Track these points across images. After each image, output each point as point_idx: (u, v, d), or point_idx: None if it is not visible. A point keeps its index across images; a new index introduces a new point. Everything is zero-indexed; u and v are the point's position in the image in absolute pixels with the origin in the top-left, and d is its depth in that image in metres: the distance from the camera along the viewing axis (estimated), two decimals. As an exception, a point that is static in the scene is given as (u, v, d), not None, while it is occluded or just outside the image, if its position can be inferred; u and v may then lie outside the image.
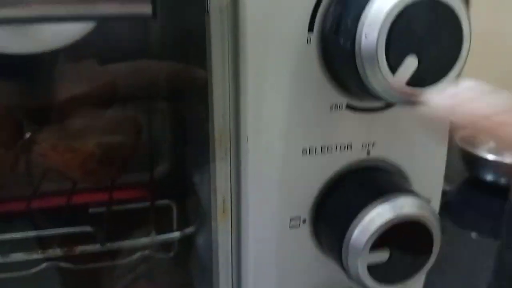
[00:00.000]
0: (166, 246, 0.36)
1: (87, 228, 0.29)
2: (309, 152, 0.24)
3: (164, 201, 0.35)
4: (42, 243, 0.31)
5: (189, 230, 0.32)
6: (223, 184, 0.26)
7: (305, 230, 0.25)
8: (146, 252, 0.36)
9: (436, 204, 0.27)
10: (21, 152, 0.33)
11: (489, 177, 0.82)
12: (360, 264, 0.22)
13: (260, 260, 0.26)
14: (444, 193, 0.77)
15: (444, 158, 0.27)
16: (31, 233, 0.33)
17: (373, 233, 0.22)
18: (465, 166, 0.87)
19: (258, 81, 0.23)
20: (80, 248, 0.30)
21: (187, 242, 0.36)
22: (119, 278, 0.40)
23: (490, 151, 0.90)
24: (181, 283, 0.39)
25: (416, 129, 0.26)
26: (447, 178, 0.79)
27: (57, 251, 0.30)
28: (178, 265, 0.37)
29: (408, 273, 0.23)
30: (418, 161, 0.26)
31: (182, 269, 0.38)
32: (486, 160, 0.80)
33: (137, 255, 0.36)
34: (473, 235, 0.64)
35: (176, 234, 0.32)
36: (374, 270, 0.22)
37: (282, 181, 0.24)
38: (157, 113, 0.35)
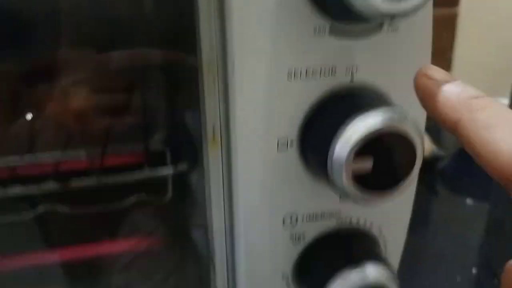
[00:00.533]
0: (161, 189, 0.37)
1: (82, 153, 0.30)
2: (294, 76, 0.25)
3: (158, 146, 0.36)
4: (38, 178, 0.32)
5: (182, 166, 0.33)
6: (212, 112, 0.26)
7: (293, 152, 0.26)
8: (142, 195, 0.37)
9: (421, 127, 0.28)
10: (16, 104, 0.34)
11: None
12: (345, 174, 0.23)
13: (249, 185, 0.27)
14: (439, 159, 0.78)
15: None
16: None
17: (356, 143, 0.23)
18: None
19: (242, 8, 0.24)
20: (75, 182, 0.31)
21: (182, 186, 0.37)
22: (116, 226, 0.41)
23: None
24: (177, 228, 0.40)
25: (400, 55, 0.27)
26: (442, 145, 0.81)
27: (53, 185, 0.31)
28: (173, 211, 0.38)
29: (392, 182, 0.24)
30: (402, 88, 0.27)
31: (177, 214, 0.39)
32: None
33: (133, 198, 0.37)
34: (468, 201, 0.65)
35: (169, 169, 0.33)
36: (359, 180, 0.23)
37: (268, 105, 0.25)
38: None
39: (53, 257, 0.43)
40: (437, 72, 0.21)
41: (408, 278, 0.52)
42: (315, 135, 0.25)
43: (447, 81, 0.21)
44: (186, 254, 0.39)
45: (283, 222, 0.29)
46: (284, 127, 0.26)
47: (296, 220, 0.29)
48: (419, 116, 0.27)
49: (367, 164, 0.23)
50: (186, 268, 0.39)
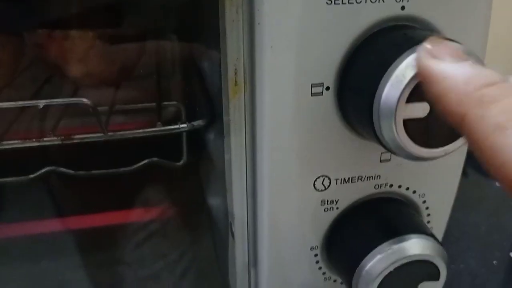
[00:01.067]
0: (175, 152, 0.33)
1: (84, 101, 0.26)
2: (335, 0, 0.21)
3: (172, 103, 0.32)
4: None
5: (198, 123, 0.29)
6: (235, 49, 0.22)
7: (329, 98, 0.22)
8: (154, 159, 0.34)
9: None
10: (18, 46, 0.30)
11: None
12: (396, 121, 0.19)
13: (276, 140, 0.23)
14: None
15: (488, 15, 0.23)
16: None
17: (411, 81, 0.18)
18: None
19: None
20: (79, 136, 0.28)
21: (198, 150, 0.34)
22: (127, 194, 0.38)
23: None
24: (193, 196, 0.36)
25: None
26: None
27: (55, 139, 0.27)
28: (189, 176, 0.35)
29: (449, 137, 0.20)
30: (456, 20, 0.23)
31: (193, 180, 0.35)
32: None
33: (144, 162, 0.34)
34: (498, 183, 0.60)
35: (183, 126, 0.29)
36: (411, 129, 0.19)
37: (302, 37, 0.21)
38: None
39: (61, 226, 0.40)
40: (444, 49, 0.17)
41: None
42: (358, 74, 0.21)
43: (455, 61, 0.16)
44: (203, 225, 0.36)
45: (314, 185, 0.25)
46: (320, 68, 0.22)
47: (329, 183, 0.25)
48: (476, 36, 0.23)
49: (421, 109, 0.19)
50: (202, 240, 0.36)
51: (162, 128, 0.29)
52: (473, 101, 0.15)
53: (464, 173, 0.64)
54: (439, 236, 0.30)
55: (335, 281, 0.29)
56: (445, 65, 0.16)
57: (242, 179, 0.26)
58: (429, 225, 0.29)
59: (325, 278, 0.29)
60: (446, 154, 0.21)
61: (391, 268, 0.23)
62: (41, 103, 0.26)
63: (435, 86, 0.16)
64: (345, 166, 0.25)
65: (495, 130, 0.14)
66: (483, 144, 0.15)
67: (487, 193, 0.60)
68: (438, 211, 0.28)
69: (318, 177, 0.25)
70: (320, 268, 0.28)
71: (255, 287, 0.29)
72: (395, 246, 0.24)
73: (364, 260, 0.24)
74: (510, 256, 0.49)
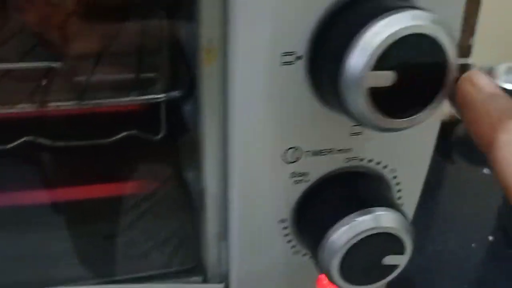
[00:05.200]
0: (154, 126, 0.33)
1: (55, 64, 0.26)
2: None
3: (151, 75, 0.32)
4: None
5: (174, 93, 0.29)
6: (209, 19, 0.22)
7: (300, 68, 0.22)
8: (133, 132, 0.34)
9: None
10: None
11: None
12: (361, 90, 0.19)
13: (248, 109, 0.23)
14: (457, 124, 0.74)
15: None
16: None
17: (376, 49, 0.18)
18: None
19: None
20: (54, 104, 0.28)
21: (177, 123, 0.34)
22: (104, 164, 0.38)
23: (507, 81, 0.86)
24: (170, 168, 0.37)
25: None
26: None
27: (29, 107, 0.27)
28: (166, 149, 0.35)
29: (416, 107, 0.20)
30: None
31: (171, 153, 0.35)
32: (504, 90, 0.75)
33: (123, 134, 0.34)
34: (486, 170, 0.61)
35: (161, 96, 0.29)
36: (377, 99, 0.19)
37: (275, 5, 0.21)
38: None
39: (40, 198, 0.40)
40: (482, 79, 0.18)
41: (421, 241, 0.48)
42: (329, 44, 0.21)
43: (492, 92, 0.18)
44: (179, 198, 0.36)
45: (284, 157, 0.25)
46: (292, 37, 0.22)
47: (300, 155, 0.25)
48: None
49: (387, 77, 0.19)
50: (179, 214, 0.36)
51: (138, 98, 0.29)
52: (505, 127, 0.16)
53: (451, 160, 0.65)
54: (410, 213, 0.30)
55: (304, 255, 0.29)
56: (484, 93, 0.18)
57: (214, 150, 0.27)
58: (400, 201, 0.29)
59: (295, 252, 0.29)
60: (412, 125, 0.21)
61: (355, 240, 0.24)
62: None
63: (472, 110, 0.18)
64: (316, 138, 0.25)
65: None
66: (507, 172, 0.16)
67: (472, 179, 0.60)
68: (409, 187, 0.29)
69: (289, 148, 0.25)
70: (289, 241, 0.28)
71: (226, 260, 0.30)
72: (360, 218, 0.24)
73: (328, 232, 0.24)
74: (489, 239, 0.49)
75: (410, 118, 0.21)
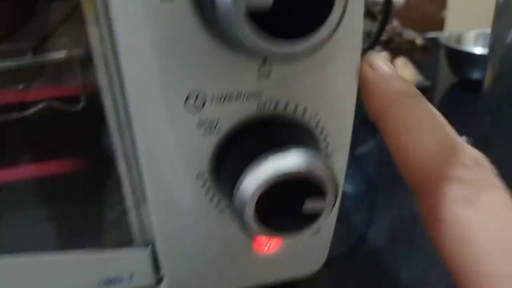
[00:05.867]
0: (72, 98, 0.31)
1: None
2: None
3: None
4: None
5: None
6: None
7: (183, 3, 0.20)
8: (52, 102, 0.32)
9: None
10: None
11: (477, 75, 0.77)
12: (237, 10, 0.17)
13: (135, 50, 0.21)
14: (425, 91, 0.73)
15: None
16: None
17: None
18: (452, 67, 0.82)
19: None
20: None
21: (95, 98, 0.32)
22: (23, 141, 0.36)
23: (477, 44, 0.84)
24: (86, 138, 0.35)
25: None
26: (426, 75, 0.75)
27: None
28: (85, 121, 0.33)
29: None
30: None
31: (90, 125, 0.33)
32: (473, 56, 0.74)
33: (41, 106, 0.32)
34: (463, 138, 0.59)
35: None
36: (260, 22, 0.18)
37: None
38: None
39: None
40: (380, 64, 0.21)
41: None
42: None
43: (386, 74, 0.20)
44: (104, 172, 0.34)
45: (186, 103, 0.23)
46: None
47: (204, 101, 0.23)
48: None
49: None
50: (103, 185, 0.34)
51: (40, 59, 0.27)
52: (392, 104, 0.19)
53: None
54: (342, 168, 0.28)
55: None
56: (380, 74, 0.21)
57: (117, 110, 0.25)
58: (331, 159, 0.27)
59: (220, 211, 0.27)
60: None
61: (266, 186, 0.22)
62: None
63: (367, 89, 0.22)
64: (219, 82, 0.23)
65: (403, 127, 0.19)
66: (392, 139, 0.19)
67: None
68: (336, 138, 0.27)
69: (190, 93, 0.23)
70: (212, 199, 0.26)
71: (148, 222, 0.28)
72: (270, 162, 0.22)
73: (238, 181, 0.23)
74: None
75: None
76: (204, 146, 0.24)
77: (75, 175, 0.33)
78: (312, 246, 0.31)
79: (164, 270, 0.29)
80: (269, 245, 0.30)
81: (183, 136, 0.24)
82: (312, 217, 0.24)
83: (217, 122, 0.24)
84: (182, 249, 0.28)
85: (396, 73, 0.21)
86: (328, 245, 0.32)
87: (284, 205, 0.23)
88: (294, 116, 0.25)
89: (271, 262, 0.31)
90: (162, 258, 0.29)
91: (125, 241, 0.29)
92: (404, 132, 0.18)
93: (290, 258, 0.31)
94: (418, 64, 0.74)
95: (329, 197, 0.23)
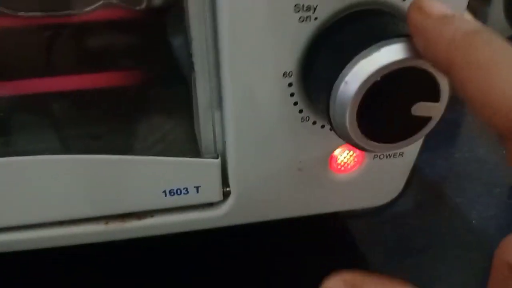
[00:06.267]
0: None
1: None
2: None
3: None
4: None
5: None
6: None
7: None
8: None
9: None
10: None
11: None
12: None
13: None
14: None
15: None
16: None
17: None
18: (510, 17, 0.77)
19: None
20: None
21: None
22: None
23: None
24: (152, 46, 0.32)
25: None
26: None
27: None
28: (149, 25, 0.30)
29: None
30: None
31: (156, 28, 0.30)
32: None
33: (100, 3, 0.29)
34: None
35: None
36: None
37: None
38: None
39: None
40: (432, 5, 0.18)
41: (446, 148, 0.44)
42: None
43: (443, 16, 0.17)
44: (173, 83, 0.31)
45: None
46: None
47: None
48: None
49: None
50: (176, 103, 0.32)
51: None
52: (461, 48, 0.16)
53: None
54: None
55: (314, 123, 0.25)
56: (435, 19, 0.17)
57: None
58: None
59: (302, 119, 0.24)
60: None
61: (372, 80, 0.19)
62: None
63: (425, 38, 0.18)
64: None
65: (479, 68, 0.15)
66: (468, 83, 0.15)
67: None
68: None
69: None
70: (296, 103, 0.24)
71: (220, 129, 0.25)
72: (379, 51, 0.19)
73: (339, 76, 0.20)
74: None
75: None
76: (298, 35, 0.21)
77: (140, 87, 0.31)
78: (392, 170, 0.28)
79: (231, 186, 0.27)
80: (346, 164, 0.27)
81: (278, 20, 0.21)
82: (420, 123, 0.21)
83: (316, 8, 0.21)
84: (254, 162, 0.26)
85: (453, 11, 0.17)
86: (408, 172, 0.29)
87: (389, 105, 0.20)
88: (395, 4, 0.22)
89: (346, 187, 0.28)
90: (231, 172, 0.26)
91: (193, 152, 0.27)
92: (484, 73, 0.15)
93: (366, 184, 0.28)
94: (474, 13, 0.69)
95: (443, 99, 0.20)
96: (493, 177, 0.40)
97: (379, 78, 0.19)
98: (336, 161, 0.27)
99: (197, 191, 0.26)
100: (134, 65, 0.34)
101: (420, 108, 0.20)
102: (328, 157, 0.27)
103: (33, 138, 0.31)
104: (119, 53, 0.33)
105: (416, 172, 0.40)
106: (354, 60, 0.19)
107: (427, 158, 0.42)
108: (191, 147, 0.27)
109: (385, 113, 0.20)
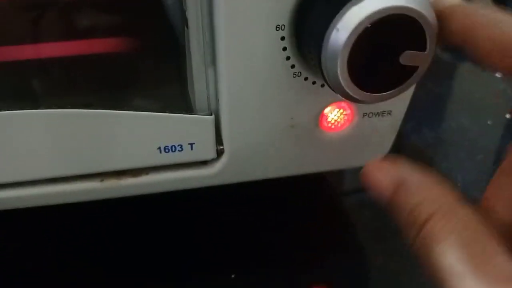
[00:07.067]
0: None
1: None
2: None
3: None
4: None
5: None
6: None
7: None
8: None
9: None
10: None
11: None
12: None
13: None
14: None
15: None
16: None
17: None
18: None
19: None
20: None
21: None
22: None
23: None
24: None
25: None
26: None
27: None
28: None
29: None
30: None
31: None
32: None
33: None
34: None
35: None
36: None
37: None
38: None
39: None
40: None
41: (432, 118, 0.45)
42: None
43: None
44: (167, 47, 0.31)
45: None
46: None
47: None
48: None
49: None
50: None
51: None
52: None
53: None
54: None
55: (306, 79, 0.25)
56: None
57: None
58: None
59: (294, 74, 0.25)
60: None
61: (362, 27, 0.19)
62: None
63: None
64: None
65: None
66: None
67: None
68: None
69: None
70: (288, 58, 0.24)
71: (214, 87, 0.26)
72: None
73: (330, 26, 0.20)
74: (506, 117, 0.45)
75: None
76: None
77: (133, 53, 0.31)
78: (381, 129, 0.29)
79: (225, 144, 0.28)
80: (336, 122, 0.28)
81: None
82: (406, 72, 0.22)
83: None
84: (247, 119, 0.26)
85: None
86: (396, 131, 0.30)
87: (378, 53, 0.21)
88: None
89: (336, 146, 0.29)
90: (224, 129, 0.27)
91: (187, 108, 0.27)
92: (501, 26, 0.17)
93: (356, 142, 0.29)
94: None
95: (430, 44, 0.21)
96: (476, 144, 0.42)
97: (369, 25, 0.20)
98: (327, 119, 0.28)
99: (191, 148, 0.27)
100: (126, 30, 0.34)
101: (408, 57, 0.21)
102: (319, 115, 0.27)
103: (23, 105, 0.31)
104: (109, 18, 0.33)
105: (404, 139, 0.42)
106: (345, 7, 0.20)
107: (415, 127, 0.43)
108: (186, 105, 0.28)
109: (375, 62, 0.21)
